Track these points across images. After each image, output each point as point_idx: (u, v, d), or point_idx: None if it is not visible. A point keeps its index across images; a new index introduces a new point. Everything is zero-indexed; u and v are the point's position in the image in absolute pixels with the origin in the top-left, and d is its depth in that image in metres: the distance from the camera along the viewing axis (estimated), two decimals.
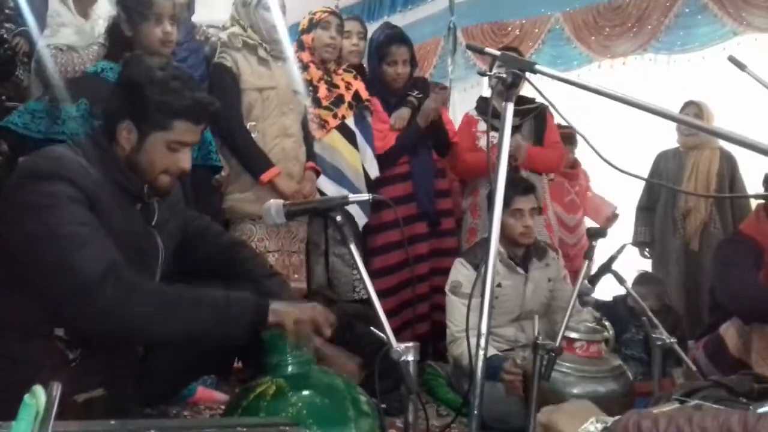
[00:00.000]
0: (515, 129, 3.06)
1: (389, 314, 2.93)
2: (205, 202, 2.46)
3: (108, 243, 1.45)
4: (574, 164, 4.11)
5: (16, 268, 1.46)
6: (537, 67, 1.55)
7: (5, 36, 2.45)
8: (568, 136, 3.78)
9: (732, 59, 2.46)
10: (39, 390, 0.80)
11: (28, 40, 2.52)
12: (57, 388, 0.80)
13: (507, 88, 1.57)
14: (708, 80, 4.55)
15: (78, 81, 2.21)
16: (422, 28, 6.24)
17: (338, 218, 1.52)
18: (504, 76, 1.55)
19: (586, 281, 2.22)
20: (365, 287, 1.52)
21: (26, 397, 0.79)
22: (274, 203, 1.55)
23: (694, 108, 3.88)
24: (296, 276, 2.74)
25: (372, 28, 6.56)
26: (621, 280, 2.29)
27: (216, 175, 2.61)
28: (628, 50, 4.95)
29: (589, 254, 2.10)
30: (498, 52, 1.61)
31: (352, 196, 1.55)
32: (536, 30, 5.44)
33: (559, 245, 3.65)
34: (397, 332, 2.97)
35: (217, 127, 2.61)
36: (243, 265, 1.81)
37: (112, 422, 1.05)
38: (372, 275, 2.96)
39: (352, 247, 1.52)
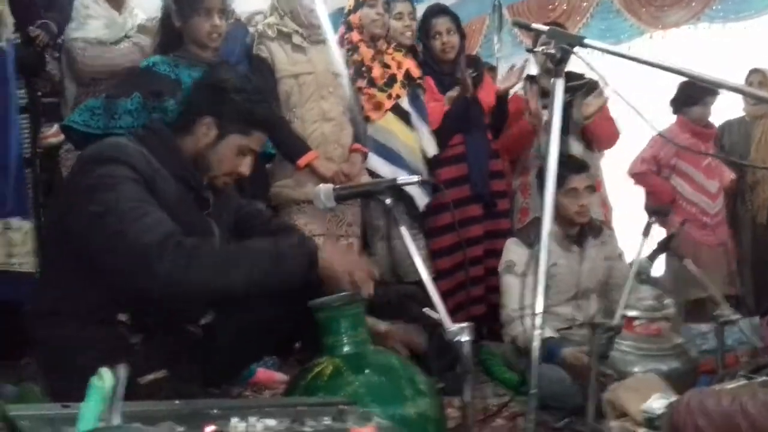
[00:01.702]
0: (566, 105, 2.99)
1: (444, 296, 2.96)
2: (260, 189, 2.49)
3: (165, 215, 1.48)
4: (709, 123, 3.82)
5: (80, 255, 1.50)
6: (586, 41, 1.52)
7: (32, 33, 2.48)
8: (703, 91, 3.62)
9: None
10: (106, 372, 0.82)
11: (49, 32, 2.53)
12: (124, 370, 0.83)
13: (556, 64, 1.54)
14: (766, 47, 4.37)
15: (130, 75, 2.26)
16: (467, 7, 6.12)
17: (387, 201, 1.52)
18: (552, 52, 1.52)
19: (645, 258, 2.17)
20: (424, 267, 1.51)
21: (94, 379, 0.81)
22: (324, 187, 1.56)
23: (759, 76, 3.74)
24: None
25: (419, 7, 6.61)
26: (681, 257, 2.23)
27: (268, 163, 2.64)
28: (681, 20, 4.77)
29: (646, 231, 2.04)
30: (545, 28, 1.58)
31: (400, 179, 1.55)
32: (584, 3, 5.30)
33: (699, 214, 3.60)
34: (452, 314, 3.00)
35: None
36: None
37: (177, 402, 1.07)
38: (430, 256, 3.02)
39: (403, 229, 1.51)
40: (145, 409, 0.96)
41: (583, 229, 2.64)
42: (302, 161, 2.66)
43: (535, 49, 1.55)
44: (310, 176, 2.65)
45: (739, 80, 3.81)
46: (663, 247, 2.23)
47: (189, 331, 1.68)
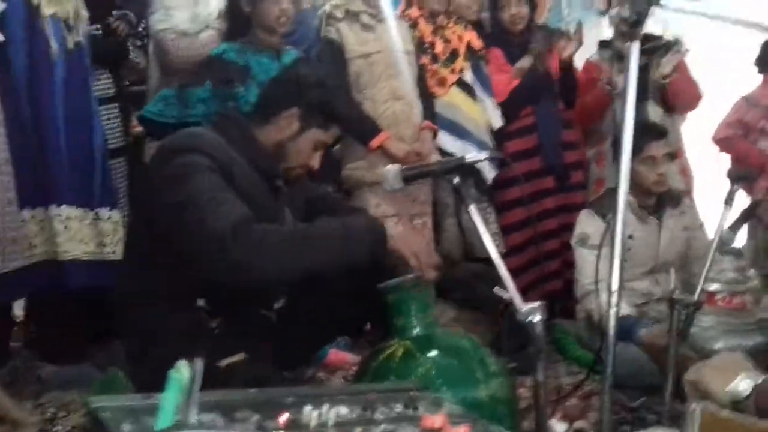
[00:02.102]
0: (642, 69, 2.87)
1: (517, 272, 2.96)
2: (329, 173, 2.51)
3: (240, 203, 1.51)
4: None
5: (160, 243, 1.55)
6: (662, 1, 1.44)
7: (113, 24, 2.53)
8: None
9: None
10: (184, 365, 0.86)
11: (128, 23, 2.58)
12: (200, 363, 0.86)
13: (631, 26, 1.47)
14: None
15: (201, 64, 2.31)
16: None
17: (455, 180, 1.50)
18: (627, 14, 1.45)
19: (727, 228, 2.07)
20: (493, 245, 1.49)
21: (172, 372, 0.85)
22: (392, 168, 1.55)
23: None
24: None
25: None
26: (767, 226, 2.12)
27: (336, 145, 2.66)
28: None
29: (729, 199, 1.94)
30: None
31: (469, 157, 1.52)
32: None
33: None
34: (526, 291, 2.97)
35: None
36: None
37: (252, 390, 1.11)
38: (501, 231, 2.99)
39: (472, 208, 1.49)
40: (221, 399, 0.99)
41: (661, 198, 2.54)
42: (374, 143, 2.65)
43: (609, 13, 1.48)
44: (382, 157, 2.64)
45: None
46: (747, 215, 2.12)
47: (264, 316, 1.73)
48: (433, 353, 1.48)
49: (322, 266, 1.51)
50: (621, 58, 2.70)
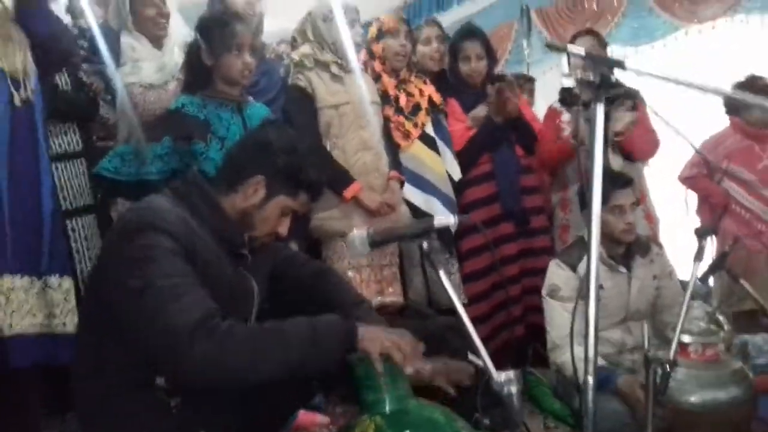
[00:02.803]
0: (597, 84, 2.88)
1: (483, 319, 2.93)
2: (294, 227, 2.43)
3: (203, 293, 1.44)
4: (766, 125, 3.54)
5: (116, 321, 1.47)
6: (627, 64, 1.43)
7: (84, 78, 2.49)
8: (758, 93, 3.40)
9: None
10: None
11: (103, 79, 2.55)
12: None
13: (595, 89, 1.46)
14: None
15: (160, 118, 2.24)
16: (494, 13, 6.09)
17: (424, 245, 1.46)
18: (591, 79, 1.44)
19: (696, 280, 2.06)
20: (462, 309, 1.45)
21: None
22: (358, 235, 1.51)
23: None
24: (390, 290, 2.71)
25: (443, 17, 6.56)
26: (736, 277, 2.12)
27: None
28: (717, 13, 4.62)
29: (699, 255, 1.93)
30: (582, 52, 1.49)
31: (436, 221, 1.48)
32: (615, 3, 5.17)
33: (753, 221, 3.46)
34: (491, 337, 2.93)
35: None
36: (330, 293, 1.80)
37: None
38: (463, 280, 2.95)
39: (441, 273, 1.45)
40: None
41: (630, 247, 2.53)
42: (348, 193, 2.62)
43: (572, 75, 1.47)
44: (354, 207, 2.63)
45: None
46: (716, 266, 2.12)
47: (226, 390, 1.64)
48: (405, 430, 1.41)
49: (286, 371, 1.44)
50: (583, 105, 2.71)
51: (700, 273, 2.00)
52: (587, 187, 2.69)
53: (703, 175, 3.60)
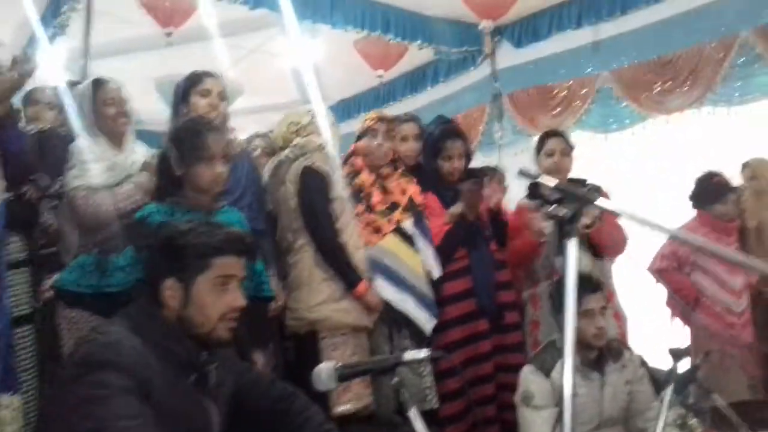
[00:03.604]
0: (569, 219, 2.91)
1: (455, 419, 2.85)
2: (262, 335, 2.36)
3: None
4: (732, 217, 3.65)
5: None
6: (598, 202, 1.43)
7: (20, 190, 2.44)
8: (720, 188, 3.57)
9: None
10: None
11: (38, 187, 2.50)
12: None
13: (567, 223, 1.45)
14: None
15: (124, 228, 2.18)
16: (466, 96, 6.21)
17: (395, 380, 1.41)
18: (563, 213, 1.43)
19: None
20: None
21: None
22: (325, 368, 1.45)
23: (748, 171, 3.70)
24: (360, 396, 2.62)
25: (417, 99, 6.69)
26: (708, 391, 2.09)
27: (269, 305, 2.52)
28: (683, 105, 4.73)
29: (670, 375, 1.91)
30: (553, 184, 1.49)
31: (406, 356, 1.44)
32: (584, 90, 5.30)
33: (723, 313, 3.47)
34: None
35: (310, 233, 2.65)
36: (297, 417, 1.72)
37: None
38: (437, 376, 2.89)
39: (412, 413, 1.40)
40: None
41: (603, 353, 2.51)
42: (362, 289, 2.65)
43: (548, 211, 1.47)
44: (357, 302, 2.66)
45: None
46: (688, 380, 2.09)
47: None
48: None
49: None
50: (549, 203, 2.73)
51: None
52: (555, 291, 2.69)
53: (673, 267, 3.62)
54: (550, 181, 1.50)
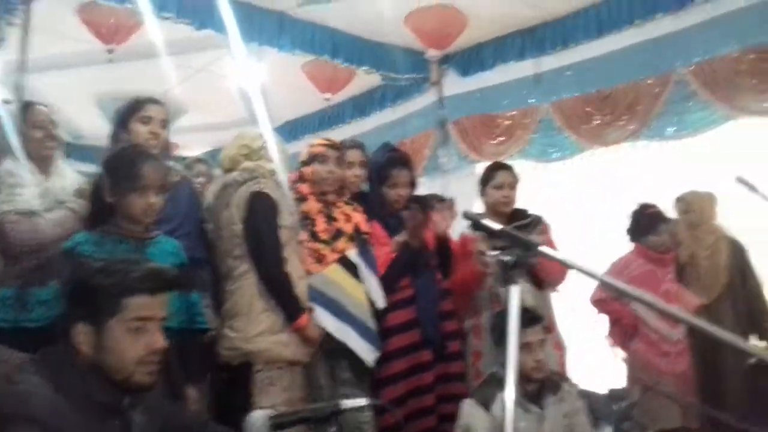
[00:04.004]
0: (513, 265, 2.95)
1: None
2: (195, 369, 2.28)
3: None
4: (667, 248, 3.73)
5: None
6: (541, 250, 1.44)
7: None
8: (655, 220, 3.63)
9: (741, 180, 2.39)
10: None
11: None
12: None
13: (510, 269, 1.46)
14: (705, 164, 4.50)
15: (50, 259, 2.08)
16: (412, 122, 6.26)
17: (331, 430, 1.38)
18: (506, 259, 1.44)
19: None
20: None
21: None
22: (259, 416, 1.41)
23: (681, 205, 3.83)
24: None
25: (364, 123, 6.72)
26: (644, 427, 2.13)
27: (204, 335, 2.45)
28: (620, 138, 4.88)
29: (609, 418, 1.93)
30: (498, 228, 1.50)
31: (344, 404, 1.41)
32: (527, 120, 5.42)
33: (659, 342, 3.51)
34: None
35: (254, 260, 2.56)
36: None
37: None
38: (380, 408, 2.85)
39: None
40: None
41: (542, 386, 2.53)
42: (303, 322, 2.58)
43: (491, 255, 1.48)
44: (296, 335, 2.58)
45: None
46: (624, 416, 2.13)
47: None
48: None
49: None
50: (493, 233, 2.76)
51: None
52: (497, 323, 2.70)
53: (612, 297, 3.70)
54: (495, 225, 1.52)
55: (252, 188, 2.62)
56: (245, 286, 2.59)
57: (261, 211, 2.60)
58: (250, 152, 2.75)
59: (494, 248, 2.94)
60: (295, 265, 2.66)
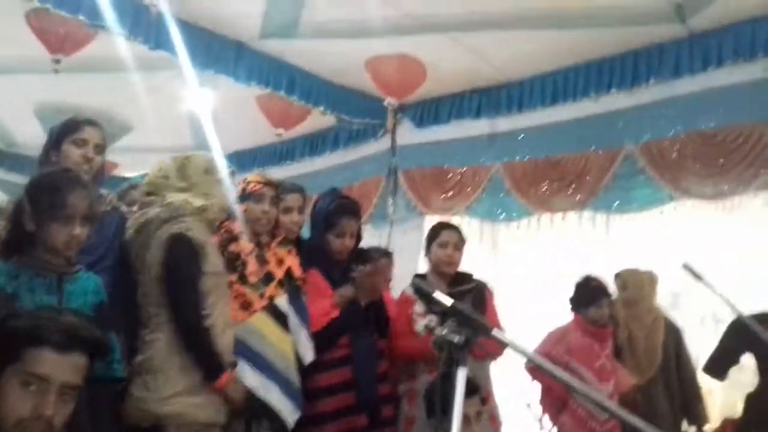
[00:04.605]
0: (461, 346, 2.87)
1: None
2: (104, 424, 2.06)
3: None
4: (605, 322, 3.65)
5: None
6: (492, 333, 1.37)
7: None
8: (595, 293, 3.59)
9: (687, 267, 2.38)
10: None
11: None
12: None
13: (459, 349, 1.37)
14: (647, 242, 4.56)
15: None
16: (363, 166, 6.20)
17: None
18: (456, 339, 1.36)
19: None
20: None
21: None
22: None
23: (619, 282, 3.86)
24: None
25: (314, 162, 6.62)
26: None
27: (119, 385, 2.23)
28: (567, 206, 4.91)
29: None
30: (449, 304, 1.41)
31: None
32: (477, 178, 5.40)
33: (587, 418, 3.44)
34: None
35: (172, 311, 2.33)
36: None
37: None
38: None
39: None
40: None
41: None
42: (221, 382, 2.34)
43: (436, 332, 1.41)
44: (218, 396, 2.36)
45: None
46: None
47: None
48: None
49: None
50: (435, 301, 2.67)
51: None
52: (432, 393, 2.59)
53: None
54: (446, 300, 1.43)
55: (172, 229, 2.35)
56: (161, 339, 2.33)
57: (181, 256, 2.34)
58: (171, 178, 2.48)
59: (432, 312, 2.86)
60: (223, 312, 2.44)
